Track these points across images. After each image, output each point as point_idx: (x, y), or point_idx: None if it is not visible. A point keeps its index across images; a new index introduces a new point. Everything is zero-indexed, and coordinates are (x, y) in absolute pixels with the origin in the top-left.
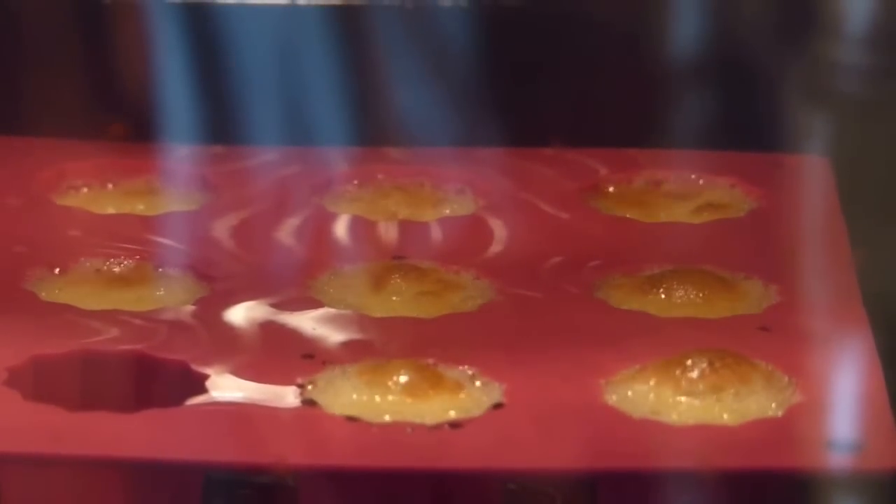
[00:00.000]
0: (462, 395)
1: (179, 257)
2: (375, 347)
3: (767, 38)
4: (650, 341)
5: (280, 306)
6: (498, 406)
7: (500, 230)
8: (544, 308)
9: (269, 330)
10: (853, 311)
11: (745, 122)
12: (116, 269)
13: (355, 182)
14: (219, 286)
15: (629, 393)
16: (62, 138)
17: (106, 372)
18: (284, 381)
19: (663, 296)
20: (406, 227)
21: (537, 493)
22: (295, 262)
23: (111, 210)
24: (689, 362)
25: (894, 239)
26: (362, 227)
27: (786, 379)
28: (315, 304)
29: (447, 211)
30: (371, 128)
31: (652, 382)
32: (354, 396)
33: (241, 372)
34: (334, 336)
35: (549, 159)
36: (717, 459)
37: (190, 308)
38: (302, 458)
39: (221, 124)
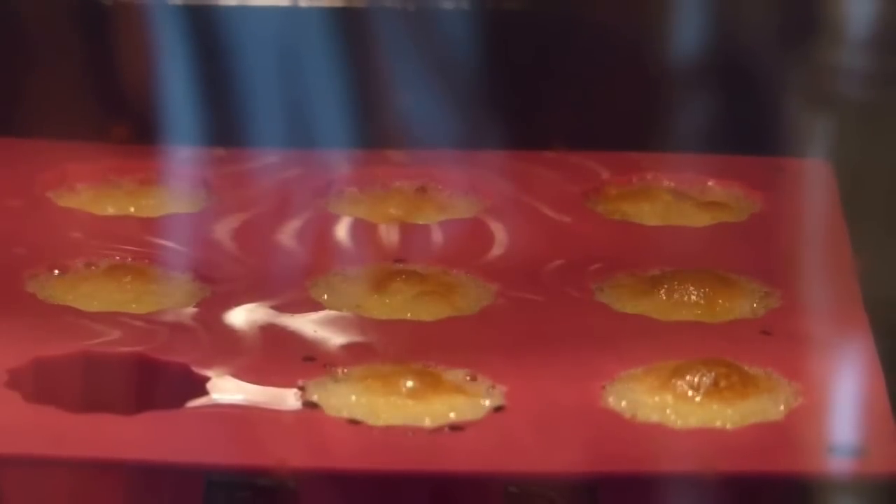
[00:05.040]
0: (463, 398)
1: (181, 259)
2: (376, 350)
3: (769, 42)
4: (651, 345)
5: (281, 309)
6: (499, 409)
7: (501, 233)
8: (545, 311)
9: (270, 332)
10: (854, 314)
11: (746, 126)
12: (117, 271)
13: (357, 185)
14: (220, 288)
15: (630, 396)
16: (64, 140)
17: (107, 374)
18: (285, 383)
19: (664, 298)
20: (407, 229)
21: (538, 497)
22: (296, 265)
23: (112, 211)
24: (690, 366)
25: None
26: (363, 229)
27: (787, 383)
28: (316, 306)
29: (448, 214)
30: (373, 130)
31: (653, 386)
32: (355, 399)
33: (242, 374)
34: (335, 339)
35: (551, 162)
36: (718, 463)
37: (191, 310)
38: (303, 460)
39: (223, 126)
